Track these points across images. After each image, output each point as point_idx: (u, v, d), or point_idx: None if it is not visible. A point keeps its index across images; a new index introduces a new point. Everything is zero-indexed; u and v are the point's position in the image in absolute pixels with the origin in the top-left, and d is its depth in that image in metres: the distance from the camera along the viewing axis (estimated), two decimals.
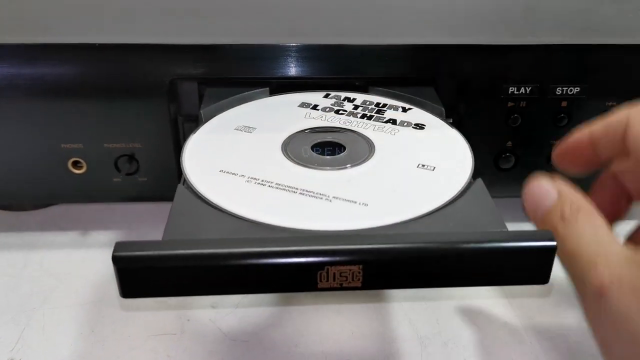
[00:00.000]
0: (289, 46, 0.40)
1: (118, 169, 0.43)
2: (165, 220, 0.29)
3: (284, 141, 0.37)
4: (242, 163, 0.35)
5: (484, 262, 0.27)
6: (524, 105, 0.42)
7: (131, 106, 0.41)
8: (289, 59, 0.41)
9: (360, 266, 0.26)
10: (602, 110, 0.43)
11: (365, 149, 0.37)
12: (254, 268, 0.26)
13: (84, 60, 0.39)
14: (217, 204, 0.31)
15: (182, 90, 0.42)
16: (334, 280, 0.26)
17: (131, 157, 0.43)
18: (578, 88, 0.42)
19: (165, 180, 0.43)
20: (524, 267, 0.27)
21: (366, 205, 0.31)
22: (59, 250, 0.46)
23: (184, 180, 0.33)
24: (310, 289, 0.26)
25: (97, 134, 0.42)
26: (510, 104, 0.42)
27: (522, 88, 0.42)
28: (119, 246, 0.26)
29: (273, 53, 0.40)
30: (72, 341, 0.38)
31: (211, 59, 0.40)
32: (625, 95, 0.42)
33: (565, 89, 0.42)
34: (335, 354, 0.38)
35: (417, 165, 0.35)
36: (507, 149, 0.44)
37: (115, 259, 0.25)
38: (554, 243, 0.26)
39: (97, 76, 0.40)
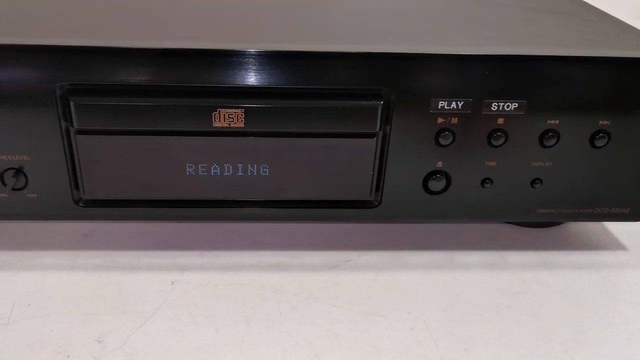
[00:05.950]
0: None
1: (4, 183, 0.39)
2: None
3: None
4: None
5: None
6: (455, 121, 0.38)
7: (15, 114, 0.37)
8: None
9: (242, 110, 0.36)
10: (543, 129, 0.39)
11: None
12: (169, 108, 0.36)
13: None
14: None
15: (74, 98, 0.38)
16: (224, 120, 0.36)
17: (18, 171, 0.38)
18: (516, 104, 0.38)
19: (57, 198, 0.39)
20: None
21: None
22: None
23: None
24: (208, 128, 0.37)
25: None
26: (440, 119, 0.38)
27: (453, 102, 0.37)
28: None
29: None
30: None
31: (108, 64, 0.36)
32: (568, 113, 0.38)
33: (501, 104, 0.38)
34: None
35: None
36: (437, 170, 0.40)
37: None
38: None
39: None
